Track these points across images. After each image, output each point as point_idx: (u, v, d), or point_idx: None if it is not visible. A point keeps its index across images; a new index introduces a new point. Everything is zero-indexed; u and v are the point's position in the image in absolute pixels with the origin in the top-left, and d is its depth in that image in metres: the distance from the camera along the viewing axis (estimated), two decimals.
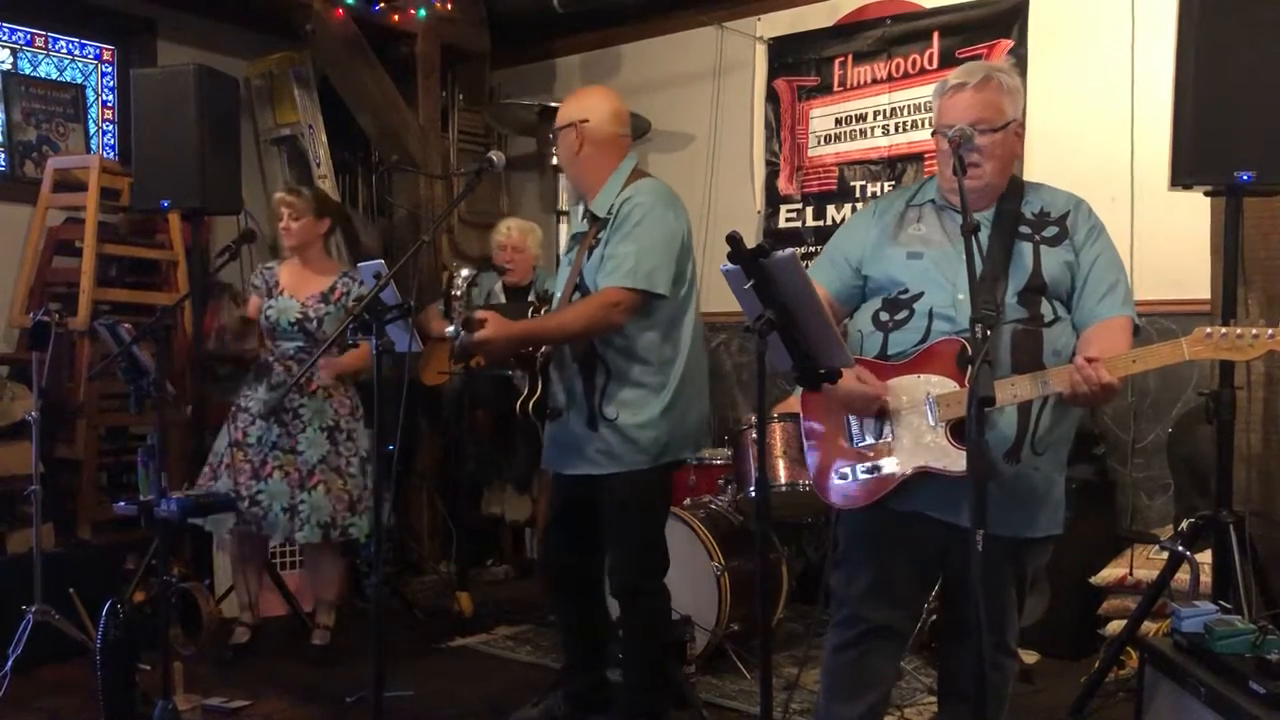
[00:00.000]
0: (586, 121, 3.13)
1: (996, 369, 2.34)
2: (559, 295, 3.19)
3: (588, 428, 3.08)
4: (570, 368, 3.11)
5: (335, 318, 4.09)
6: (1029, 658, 3.99)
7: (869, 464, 2.45)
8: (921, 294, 2.46)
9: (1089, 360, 2.24)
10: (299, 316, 4.09)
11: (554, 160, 3.28)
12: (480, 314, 2.91)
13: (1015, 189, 2.54)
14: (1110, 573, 3.95)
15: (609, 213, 3.08)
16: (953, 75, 2.53)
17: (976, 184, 2.45)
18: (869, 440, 2.47)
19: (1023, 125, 2.53)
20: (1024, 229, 2.48)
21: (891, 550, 2.51)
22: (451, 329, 2.93)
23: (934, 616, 3.74)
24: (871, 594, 2.54)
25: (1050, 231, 2.48)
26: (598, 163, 3.15)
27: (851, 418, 2.49)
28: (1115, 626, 3.81)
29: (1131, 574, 3.86)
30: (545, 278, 5.01)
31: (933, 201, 2.57)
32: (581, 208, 3.26)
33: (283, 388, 4.01)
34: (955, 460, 2.34)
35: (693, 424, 3.18)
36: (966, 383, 2.31)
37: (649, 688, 3.26)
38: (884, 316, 2.51)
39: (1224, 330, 2.24)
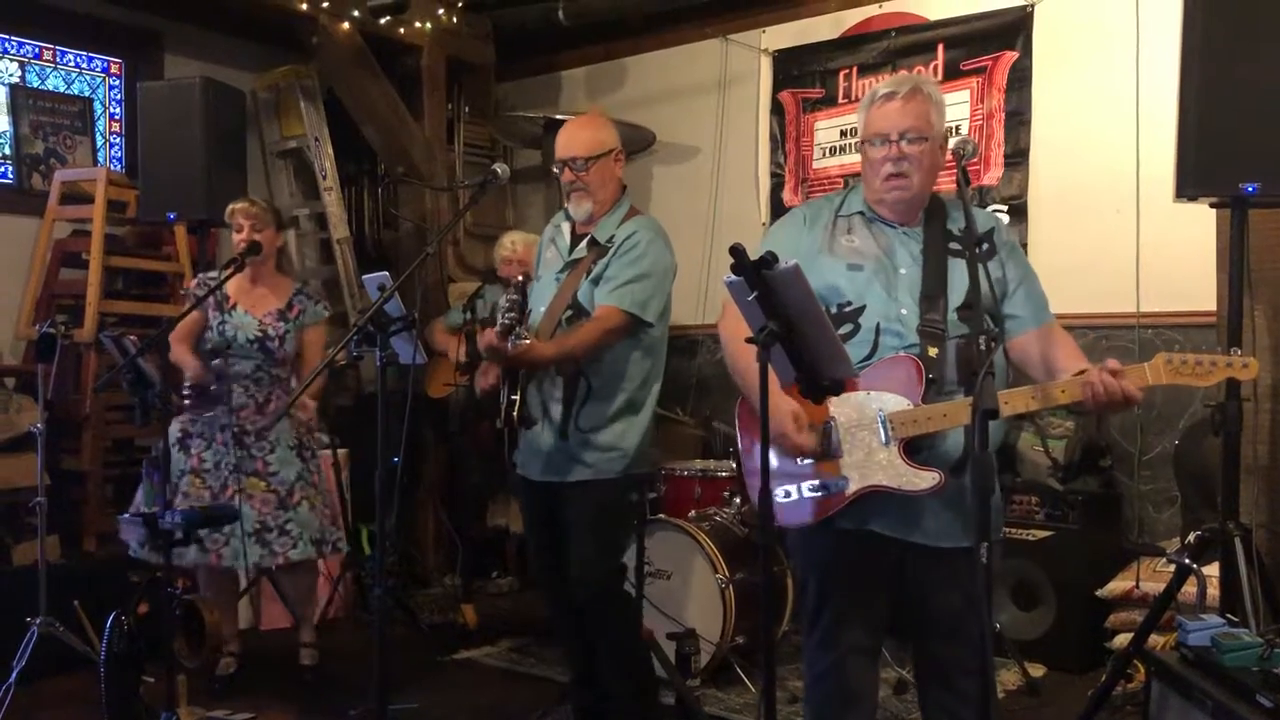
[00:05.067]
0: (621, 150, 3.22)
1: (943, 385, 2.36)
2: (542, 312, 3.21)
3: (559, 438, 3.13)
4: (551, 381, 3.15)
5: (293, 334, 4.01)
6: (1036, 671, 3.97)
7: (815, 482, 2.41)
8: (864, 307, 2.44)
9: (1114, 373, 2.23)
10: (259, 334, 3.96)
11: (571, 184, 3.21)
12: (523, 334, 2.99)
13: (938, 205, 2.55)
14: (1117, 585, 3.94)
15: (609, 241, 3.15)
16: (881, 86, 2.54)
17: (904, 195, 2.45)
18: (815, 460, 2.42)
19: (945, 142, 2.52)
20: (954, 245, 2.48)
21: (852, 571, 2.48)
22: (511, 336, 2.95)
23: None
24: (841, 618, 2.51)
25: (981, 248, 2.48)
26: (620, 188, 3.24)
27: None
28: (1122, 639, 3.79)
29: (1138, 587, 3.84)
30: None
31: (861, 213, 2.56)
32: (569, 230, 3.26)
33: (277, 411, 3.90)
34: (910, 478, 2.32)
35: (651, 441, 3.28)
36: (924, 400, 2.32)
37: (639, 691, 3.26)
38: None
39: (1184, 357, 2.28)
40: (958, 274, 2.44)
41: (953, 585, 2.37)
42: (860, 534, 2.41)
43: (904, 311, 2.41)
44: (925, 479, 2.31)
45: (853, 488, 2.38)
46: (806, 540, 2.53)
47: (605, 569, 3.21)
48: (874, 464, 2.36)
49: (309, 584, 4.22)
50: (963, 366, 2.37)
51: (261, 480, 3.93)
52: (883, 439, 2.36)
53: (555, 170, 3.22)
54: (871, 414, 2.37)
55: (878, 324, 2.42)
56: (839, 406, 2.39)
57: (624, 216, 3.20)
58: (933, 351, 2.36)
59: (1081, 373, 2.30)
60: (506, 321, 2.90)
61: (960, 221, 2.49)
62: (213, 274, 4.10)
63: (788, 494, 2.45)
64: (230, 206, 4.05)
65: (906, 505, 2.36)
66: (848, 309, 2.46)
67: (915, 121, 2.44)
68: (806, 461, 2.42)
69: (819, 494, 2.41)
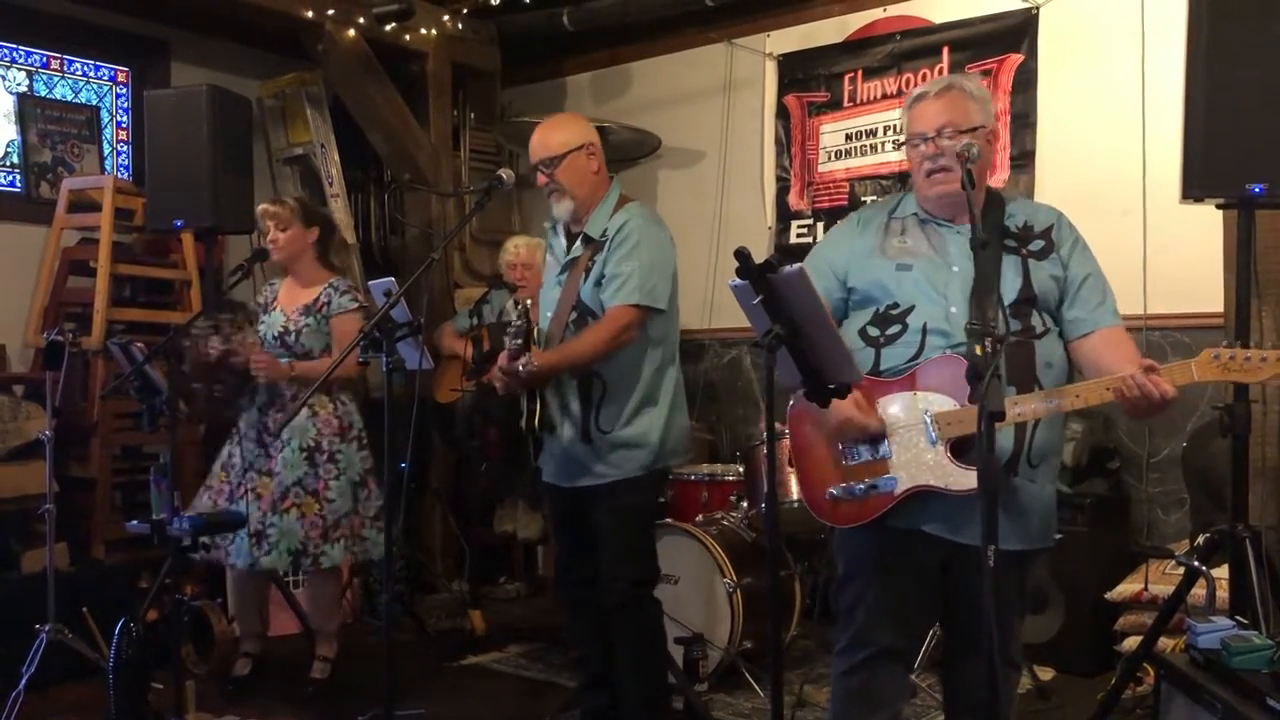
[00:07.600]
0: (593, 143, 3.18)
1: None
2: (550, 316, 3.21)
3: (582, 441, 3.12)
4: (567, 385, 3.14)
5: (314, 330, 3.94)
6: (1045, 674, 3.96)
7: (865, 483, 2.43)
8: (913, 308, 2.45)
9: (1149, 370, 2.20)
10: (281, 330, 3.96)
11: (546, 186, 3.21)
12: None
13: (995, 201, 2.54)
14: (1126, 588, 3.92)
15: (602, 235, 3.13)
16: (916, 88, 2.57)
17: (948, 189, 2.44)
18: (865, 458, 2.44)
19: (995, 135, 2.52)
20: (1010, 242, 2.48)
21: (893, 571, 2.48)
22: (521, 359, 3.00)
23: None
24: (877, 616, 2.51)
25: (1037, 245, 2.49)
26: (601, 182, 3.21)
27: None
28: (1131, 643, 3.78)
29: (1147, 589, 3.83)
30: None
31: (915, 214, 2.56)
32: (564, 232, 3.26)
33: (289, 407, 3.86)
34: (957, 478, 2.33)
35: (682, 431, 3.26)
36: (970, 400, 2.31)
37: (651, 700, 3.25)
38: (874, 331, 2.49)
39: (1231, 352, 2.23)
40: (1010, 271, 2.43)
41: (999, 587, 2.36)
42: (909, 533, 2.42)
43: (954, 310, 2.41)
44: (971, 479, 2.28)
45: (901, 487, 2.39)
46: (852, 537, 2.53)
47: (634, 572, 3.19)
48: (922, 464, 2.37)
49: (327, 595, 4.17)
50: (1011, 363, 2.35)
51: (270, 479, 3.91)
52: (930, 439, 2.36)
53: (533, 179, 3.21)
54: (918, 414, 2.38)
55: (924, 324, 2.42)
56: (888, 407, 2.41)
57: (615, 207, 3.18)
58: (980, 350, 2.31)
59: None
60: (514, 348, 2.93)
61: (1019, 218, 2.50)
62: (274, 281, 4.17)
63: (837, 494, 2.46)
64: (259, 207, 4.07)
65: (957, 506, 2.35)
66: (895, 310, 2.47)
67: (951, 116, 2.45)
68: (858, 461, 2.44)
69: (869, 494, 2.42)
